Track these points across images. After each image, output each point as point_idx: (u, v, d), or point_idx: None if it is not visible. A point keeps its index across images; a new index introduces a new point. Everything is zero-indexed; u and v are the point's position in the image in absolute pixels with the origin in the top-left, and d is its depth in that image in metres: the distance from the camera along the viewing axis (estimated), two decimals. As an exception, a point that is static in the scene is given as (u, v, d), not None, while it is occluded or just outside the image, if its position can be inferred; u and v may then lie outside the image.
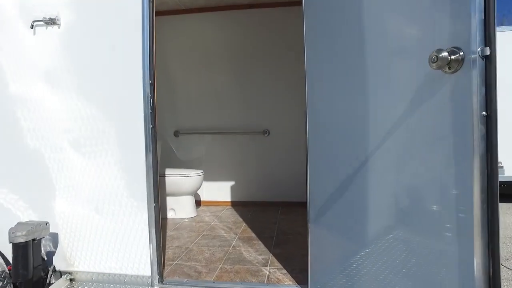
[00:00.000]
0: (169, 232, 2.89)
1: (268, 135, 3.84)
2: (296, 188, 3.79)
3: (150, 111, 1.88)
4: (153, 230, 1.86)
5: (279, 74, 3.81)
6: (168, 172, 3.33)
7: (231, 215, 3.45)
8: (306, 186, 1.92)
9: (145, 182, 1.87)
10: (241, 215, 3.45)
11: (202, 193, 3.92)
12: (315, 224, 1.86)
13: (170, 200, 3.37)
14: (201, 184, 3.41)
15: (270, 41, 3.83)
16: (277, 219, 3.30)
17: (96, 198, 1.93)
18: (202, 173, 3.40)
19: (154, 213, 1.88)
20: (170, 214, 3.38)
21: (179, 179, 3.28)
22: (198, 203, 3.91)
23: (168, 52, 3.96)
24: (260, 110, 3.85)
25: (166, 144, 3.97)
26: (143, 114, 1.87)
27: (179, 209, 3.37)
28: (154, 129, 1.93)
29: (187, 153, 3.96)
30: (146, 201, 1.87)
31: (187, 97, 3.96)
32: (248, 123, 3.86)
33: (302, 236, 2.67)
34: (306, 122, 1.78)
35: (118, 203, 1.91)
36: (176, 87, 3.98)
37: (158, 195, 1.93)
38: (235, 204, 3.88)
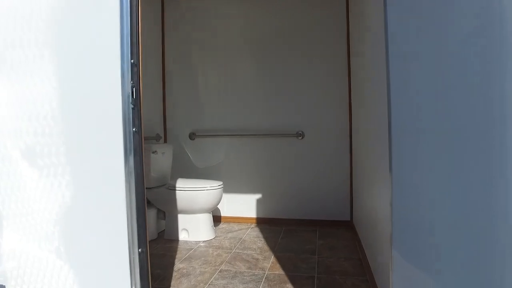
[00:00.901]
0: (177, 264, 2.24)
1: (302, 138, 3.12)
2: (336, 204, 3.05)
3: (131, 106, 1.22)
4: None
5: (317, 64, 3.08)
6: (181, 184, 2.69)
7: (257, 238, 2.77)
8: (391, 210, 1.19)
9: (125, 218, 1.22)
10: (270, 238, 2.76)
11: (222, 207, 3.27)
12: (404, 267, 1.11)
13: (182, 219, 2.73)
14: (220, 199, 2.75)
15: (306, 26, 3.12)
16: (315, 245, 2.58)
17: (57, 235, 1.31)
18: (221, 186, 2.74)
19: (139, 263, 1.23)
20: (182, 236, 2.74)
21: (194, 193, 2.64)
22: (217, 218, 3.26)
23: (183, 41, 3.34)
24: (293, 107, 3.13)
25: (179, 148, 3.33)
26: (121, 112, 1.22)
27: (194, 229, 2.72)
28: (138, 134, 1.26)
29: (204, 159, 3.30)
30: (127, 245, 1.23)
31: (206, 93, 3.30)
32: (278, 124, 3.16)
33: (352, 277, 1.96)
34: (388, 123, 1.04)
35: (86, 244, 1.28)
36: (193, 82, 3.33)
37: (147, 236, 1.29)
38: (262, 222, 3.19)
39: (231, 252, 2.45)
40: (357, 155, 2.71)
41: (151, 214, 2.73)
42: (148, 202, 2.84)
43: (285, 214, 3.15)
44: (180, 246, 2.59)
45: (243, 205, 3.21)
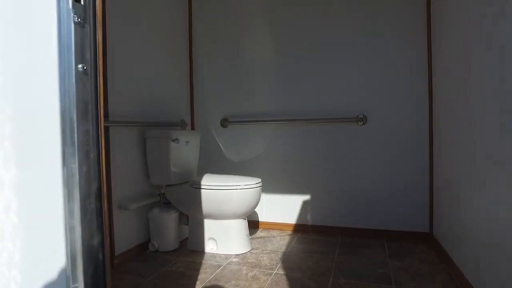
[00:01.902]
0: (198, 290, 1.64)
1: (364, 123, 2.37)
2: (410, 211, 2.27)
3: (74, 82, 0.62)
4: None
5: (383, 26, 2.33)
6: (208, 181, 2.08)
7: (307, 254, 2.08)
8: None
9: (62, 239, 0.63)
10: (324, 255, 2.05)
11: (261, 210, 2.63)
12: None
13: (209, 225, 2.11)
14: (257, 200, 2.10)
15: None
16: (388, 268, 1.83)
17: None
18: (259, 184, 2.09)
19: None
20: (209, 247, 2.13)
21: (225, 192, 2.02)
22: (254, 224, 2.61)
23: (213, 8, 2.75)
24: (352, 84, 2.39)
25: (209, 138, 2.73)
26: (57, 89, 0.63)
27: (223, 239, 2.10)
28: (96, 132, 0.69)
29: (239, 151, 2.66)
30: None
31: (242, 70, 2.65)
32: (332, 106, 2.43)
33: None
34: None
35: None
36: (226, 57, 2.70)
37: (106, 264, 0.68)
38: (311, 230, 2.49)
39: (272, 274, 1.79)
40: (446, 145, 1.93)
41: (171, 219, 2.16)
42: (168, 203, 2.27)
43: (341, 221, 2.43)
44: (206, 261, 1.98)
45: (287, 209, 2.54)
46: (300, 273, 1.79)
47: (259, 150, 2.58)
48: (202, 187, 2.04)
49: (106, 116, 1.89)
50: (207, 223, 2.11)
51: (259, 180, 2.09)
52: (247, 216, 2.12)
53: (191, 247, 2.16)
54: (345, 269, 1.82)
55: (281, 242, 2.28)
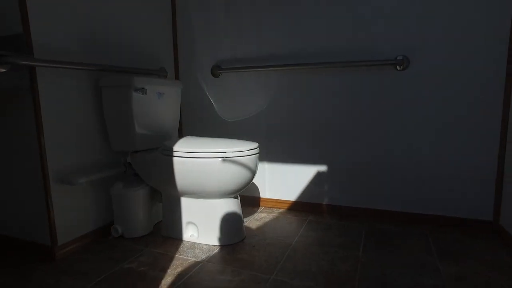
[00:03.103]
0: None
1: (404, 68, 1.65)
2: (466, 190, 1.61)
3: None
4: None
5: None
6: (184, 146, 1.45)
7: (319, 249, 1.46)
8: None
9: None
10: (343, 250, 1.43)
11: (263, 184, 2.05)
12: None
13: (188, 206, 1.53)
14: (253, 173, 1.47)
15: None
16: (440, 276, 1.19)
17: None
18: (256, 151, 1.46)
19: None
20: (187, 235, 1.55)
21: (206, 162, 1.42)
22: (254, 202, 2.02)
23: None
24: (386, 13, 1.67)
25: (196, 91, 2.09)
26: None
27: (207, 225, 1.51)
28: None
29: (234, 108, 2.01)
30: None
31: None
32: (358, 44, 1.70)
33: None
34: None
35: None
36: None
37: None
38: (324, 211, 1.87)
39: (267, 281, 1.22)
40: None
41: (139, 195, 1.61)
42: (136, 175, 1.72)
43: (368, 202, 1.81)
44: (180, 255, 1.42)
45: (297, 183, 1.94)
46: (309, 281, 1.21)
47: (260, 106, 1.94)
48: (176, 154, 1.45)
49: (29, 49, 1.30)
50: (185, 202, 1.55)
51: (255, 145, 1.47)
52: (240, 194, 1.54)
53: (166, 233, 1.61)
54: (374, 277, 1.22)
55: (286, 227, 1.70)
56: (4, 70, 1.22)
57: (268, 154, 1.93)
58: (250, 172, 1.45)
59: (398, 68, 1.64)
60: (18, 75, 1.28)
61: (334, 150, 1.80)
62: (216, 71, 1.97)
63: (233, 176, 1.42)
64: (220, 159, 1.38)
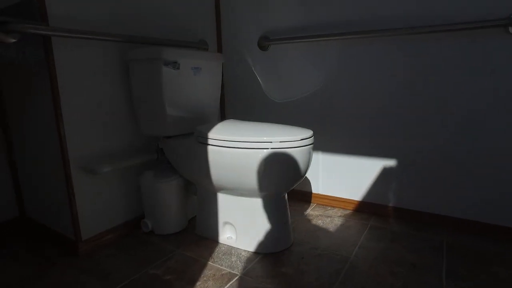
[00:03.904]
0: None
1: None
2: None
3: None
4: None
5: None
6: (223, 132, 1.17)
7: (386, 267, 1.12)
8: None
9: None
10: (418, 272, 1.07)
11: (316, 177, 1.73)
12: None
13: (225, 203, 1.27)
14: (305, 168, 1.14)
15: None
16: None
17: None
18: (309, 140, 1.13)
19: None
20: (224, 237, 1.30)
21: (247, 154, 1.13)
22: (305, 198, 1.71)
23: None
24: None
25: (240, 66, 1.78)
26: None
27: (246, 228, 1.24)
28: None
29: (284, 86, 1.67)
30: None
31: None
32: (450, 3, 1.36)
33: None
34: None
35: None
36: None
37: None
38: (391, 215, 1.50)
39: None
40: None
41: (172, 187, 1.39)
42: (168, 163, 1.50)
43: (451, 208, 1.38)
44: (214, 262, 1.17)
45: (357, 179, 1.59)
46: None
47: (315, 85, 1.59)
48: (210, 141, 1.19)
49: (43, 18, 1.10)
50: (222, 199, 1.30)
51: (308, 133, 1.16)
52: (287, 191, 1.25)
53: (200, 232, 1.39)
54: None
55: (342, 234, 1.38)
56: (13, 40, 1.03)
57: (323, 142, 1.60)
58: (301, 168, 1.15)
59: (509, 30, 1.19)
60: (32, 47, 1.09)
61: (407, 142, 1.41)
62: (263, 42, 1.65)
63: (280, 172, 1.12)
64: (264, 150, 1.10)
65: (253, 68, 1.73)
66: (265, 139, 1.09)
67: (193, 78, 1.37)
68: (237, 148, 1.12)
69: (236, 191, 1.21)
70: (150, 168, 1.46)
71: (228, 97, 1.85)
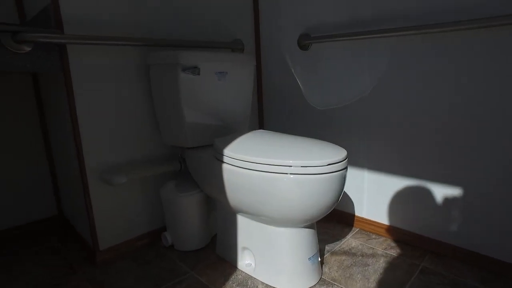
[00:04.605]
0: None
1: None
2: None
3: None
4: None
5: None
6: (240, 147, 1.02)
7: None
8: None
9: None
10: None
11: (360, 198, 1.48)
12: None
13: (245, 226, 1.10)
14: (335, 198, 0.92)
15: None
16: None
17: None
18: (341, 165, 0.90)
19: None
20: (243, 263, 1.13)
21: (263, 177, 0.92)
22: (346, 219, 1.45)
23: None
24: None
25: (278, 67, 1.58)
26: None
27: (266, 257, 1.06)
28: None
29: (327, 91, 1.41)
30: None
31: None
32: None
33: None
34: None
35: None
36: None
37: None
38: (450, 255, 1.17)
39: None
40: None
41: (193, 201, 1.27)
42: (190, 174, 1.39)
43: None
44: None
45: (409, 206, 1.28)
46: None
47: (363, 90, 1.32)
48: (226, 159, 1.04)
49: (58, 24, 1.04)
50: (242, 221, 1.14)
51: (339, 155, 0.92)
52: (315, 221, 1.05)
53: (220, 252, 1.25)
54: None
55: (386, 274, 1.11)
56: (27, 49, 1.00)
57: (370, 158, 1.34)
58: (328, 199, 0.93)
59: None
60: (48, 55, 1.05)
61: (476, 165, 1.09)
62: (304, 41, 1.43)
63: (301, 203, 0.93)
64: (282, 175, 0.91)
65: (292, 70, 1.52)
66: (284, 161, 0.90)
67: (217, 83, 1.23)
68: (252, 170, 0.95)
69: (255, 217, 1.05)
70: (172, 179, 1.37)
71: (266, 103, 1.68)
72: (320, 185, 0.90)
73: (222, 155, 1.03)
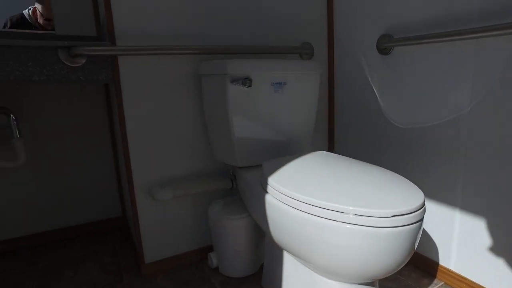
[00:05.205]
0: None
1: None
2: None
3: None
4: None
5: None
6: (284, 178, 0.85)
7: None
8: None
9: None
10: None
11: (449, 247, 1.15)
12: None
13: (292, 265, 0.92)
14: (405, 254, 0.68)
15: None
16: None
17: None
18: (414, 216, 0.65)
19: None
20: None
21: (310, 221, 0.74)
22: (429, 268, 1.13)
23: None
24: None
25: (353, 74, 1.32)
26: None
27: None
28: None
29: (411, 105, 1.11)
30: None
31: None
32: None
33: None
34: None
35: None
36: None
37: None
38: None
39: None
40: None
41: (241, 225, 1.13)
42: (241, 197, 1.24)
43: None
44: None
45: (522, 266, 0.95)
46: None
47: (459, 106, 0.98)
48: (269, 189, 0.88)
49: (110, 38, 1.02)
50: (288, 260, 0.97)
51: (412, 204, 0.66)
52: (377, 279, 0.81)
53: (265, 285, 1.10)
54: None
55: None
56: (82, 61, 0.99)
57: (466, 196, 1.01)
58: (394, 257, 0.69)
59: None
60: (100, 67, 1.04)
61: None
62: (384, 43, 1.15)
63: (357, 257, 0.72)
64: (331, 222, 0.72)
65: (369, 78, 1.26)
66: (334, 205, 0.70)
67: (273, 96, 1.07)
68: (296, 209, 0.78)
69: (302, 259, 0.87)
70: (222, 197, 1.27)
71: (337, 117, 1.45)
72: (381, 241, 0.67)
73: (266, 183, 0.87)
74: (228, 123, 1.03)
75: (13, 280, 1.18)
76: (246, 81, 0.98)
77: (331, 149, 1.49)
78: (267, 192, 0.87)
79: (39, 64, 0.93)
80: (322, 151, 1.09)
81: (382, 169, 0.89)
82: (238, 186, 1.16)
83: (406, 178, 0.91)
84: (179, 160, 1.18)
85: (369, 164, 0.93)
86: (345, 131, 1.42)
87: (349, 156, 1.42)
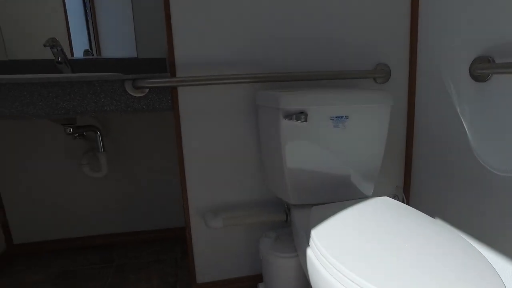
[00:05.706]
0: None
1: None
2: None
3: None
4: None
5: None
6: (334, 242, 0.75)
7: None
8: None
9: None
10: None
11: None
12: None
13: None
14: None
15: None
16: None
17: None
18: None
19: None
20: None
21: None
22: None
23: None
24: None
25: (438, 103, 1.09)
26: None
27: None
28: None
29: (511, 150, 0.88)
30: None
31: None
32: None
33: None
34: None
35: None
36: None
37: None
38: None
39: None
40: None
41: (290, 263, 1.03)
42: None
43: None
44: None
45: None
46: None
47: None
48: (312, 244, 0.76)
49: (171, 69, 1.04)
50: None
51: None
52: None
53: (311, 336, 1.01)
54: None
55: None
56: (144, 92, 1.04)
57: None
58: None
59: None
60: (162, 96, 1.08)
61: None
62: (480, 69, 0.91)
63: None
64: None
65: (457, 109, 1.02)
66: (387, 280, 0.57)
67: (332, 131, 0.95)
68: (332, 278, 0.66)
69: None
70: (276, 228, 1.21)
71: (416, 155, 1.24)
72: None
73: (309, 237, 0.78)
74: (280, 158, 0.96)
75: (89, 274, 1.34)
76: (300, 116, 0.90)
77: (406, 191, 1.28)
78: (308, 246, 0.78)
79: (109, 95, 1.01)
80: (386, 198, 0.93)
81: (458, 239, 0.70)
82: (291, 223, 1.09)
83: (502, 248, 0.70)
84: (235, 187, 1.16)
85: (439, 222, 0.75)
86: (423, 173, 1.20)
87: (424, 207, 1.20)
